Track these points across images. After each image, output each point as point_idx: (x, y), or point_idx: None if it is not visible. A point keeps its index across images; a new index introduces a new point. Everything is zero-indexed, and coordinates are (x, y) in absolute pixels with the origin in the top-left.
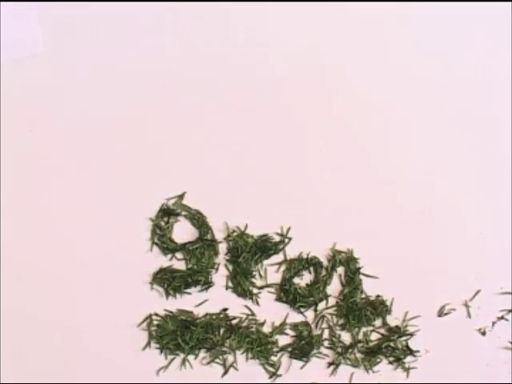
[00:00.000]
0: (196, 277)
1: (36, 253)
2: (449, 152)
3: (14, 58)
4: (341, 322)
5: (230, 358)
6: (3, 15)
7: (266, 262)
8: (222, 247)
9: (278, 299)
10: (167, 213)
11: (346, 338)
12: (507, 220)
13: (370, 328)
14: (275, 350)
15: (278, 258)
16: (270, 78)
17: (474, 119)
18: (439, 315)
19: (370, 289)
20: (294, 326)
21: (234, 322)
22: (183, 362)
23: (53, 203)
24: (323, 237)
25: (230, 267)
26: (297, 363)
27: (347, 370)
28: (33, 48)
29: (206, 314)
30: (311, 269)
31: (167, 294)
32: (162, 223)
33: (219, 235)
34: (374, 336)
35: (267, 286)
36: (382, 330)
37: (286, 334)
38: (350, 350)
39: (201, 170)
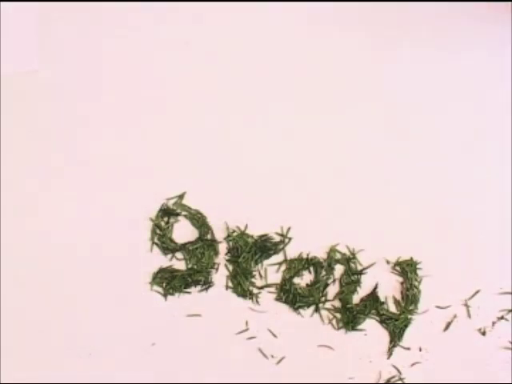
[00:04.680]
0: (196, 277)
1: (36, 253)
2: (449, 152)
3: (10, 73)
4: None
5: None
6: (3, 31)
7: (266, 261)
8: (222, 247)
9: (278, 299)
10: (167, 213)
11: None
12: (507, 220)
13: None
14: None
15: (278, 258)
16: (269, 78)
17: (474, 122)
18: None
19: (368, 288)
20: None
21: None
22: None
23: (53, 203)
24: (323, 237)
25: (230, 267)
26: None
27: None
28: (29, 64)
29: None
30: (311, 269)
31: (167, 294)
32: (162, 223)
33: (219, 235)
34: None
35: (267, 285)
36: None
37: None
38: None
39: (201, 170)
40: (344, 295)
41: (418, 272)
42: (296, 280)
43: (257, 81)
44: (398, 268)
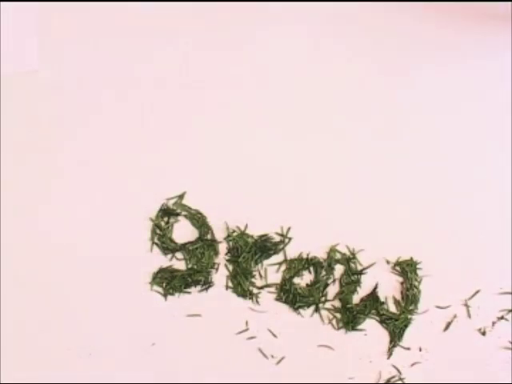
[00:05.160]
0: (196, 277)
1: (36, 253)
2: (449, 152)
3: (10, 73)
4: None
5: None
6: (3, 31)
7: (265, 261)
8: (222, 247)
9: (278, 299)
10: (167, 213)
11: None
12: (507, 220)
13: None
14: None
15: (278, 258)
16: (270, 78)
17: (474, 122)
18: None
19: (368, 288)
20: None
21: None
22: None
23: (53, 203)
24: (323, 237)
25: (230, 267)
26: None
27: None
28: (29, 64)
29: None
30: (311, 269)
31: (167, 294)
32: (162, 223)
33: (219, 235)
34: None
35: (267, 285)
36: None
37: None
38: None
39: (201, 170)
40: (344, 295)
41: (418, 272)
42: (296, 280)
43: (257, 81)
44: (397, 268)
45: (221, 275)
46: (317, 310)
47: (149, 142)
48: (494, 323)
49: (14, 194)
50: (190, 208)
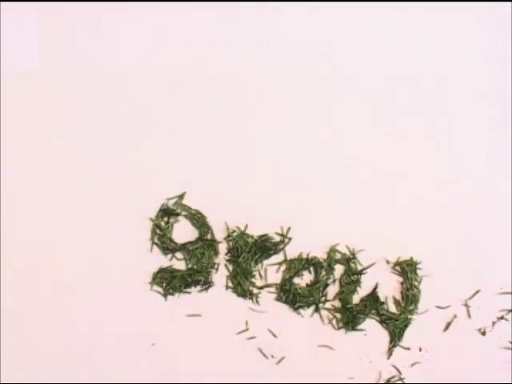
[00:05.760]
0: (196, 277)
1: (36, 252)
2: (449, 152)
3: (10, 73)
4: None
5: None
6: (3, 31)
7: (266, 261)
8: (222, 247)
9: (278, 299)
10: (167, 213)
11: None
12: (507, 220)
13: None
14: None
15: (278, 258)
16: (269, 78)
17: (475, 122)
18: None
19: (368, 288)
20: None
21: None
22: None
23: (53, 203)
24: (323, 237)
25: (230, 267)
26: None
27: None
28: (29, 64)
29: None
30: (311, 269)
31: (167, 294)
32: (162, 223)
33: (219, 235)
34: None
35: (267, 285)
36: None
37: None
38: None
39: (201, 170)
40: (344, 295)
41: (418, 272)
42: (296, 280)
43: (257, 80)
44: (397, 268)
45: (221, 275)
46: (317, 309)
47: (149, 142)
48: (494, 323)
49: (13, 193)
50: (190, 208)
